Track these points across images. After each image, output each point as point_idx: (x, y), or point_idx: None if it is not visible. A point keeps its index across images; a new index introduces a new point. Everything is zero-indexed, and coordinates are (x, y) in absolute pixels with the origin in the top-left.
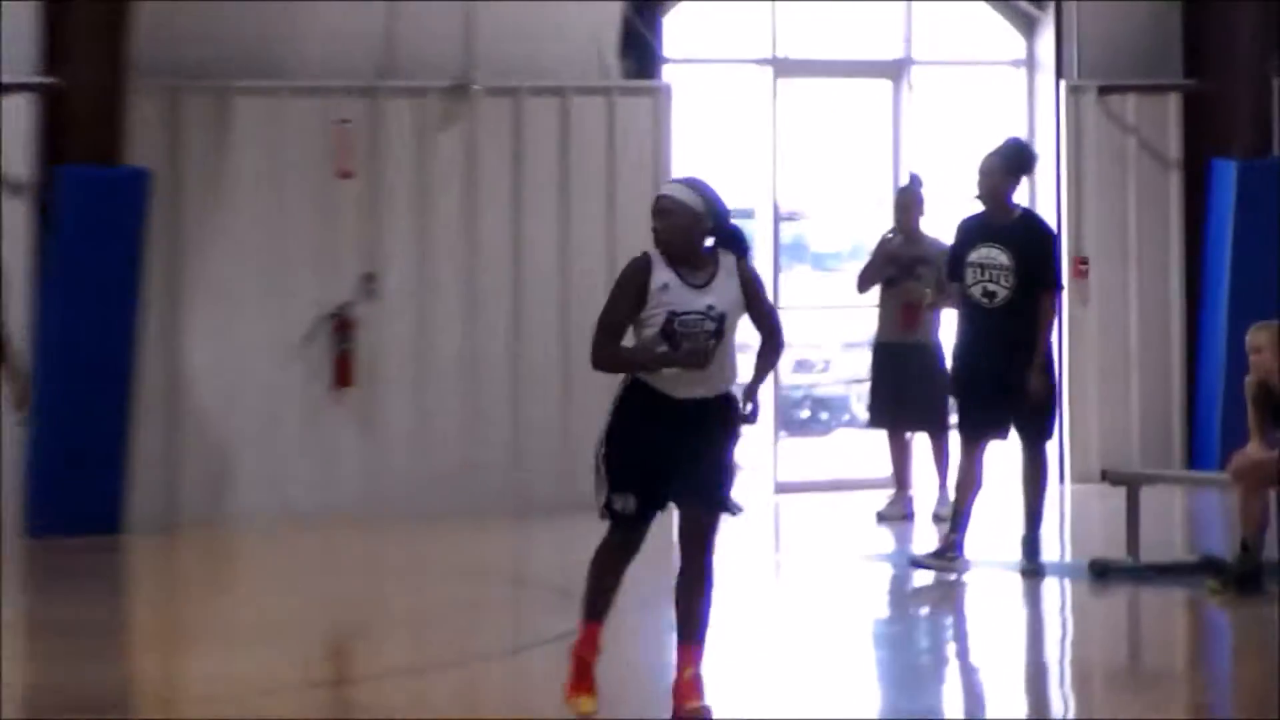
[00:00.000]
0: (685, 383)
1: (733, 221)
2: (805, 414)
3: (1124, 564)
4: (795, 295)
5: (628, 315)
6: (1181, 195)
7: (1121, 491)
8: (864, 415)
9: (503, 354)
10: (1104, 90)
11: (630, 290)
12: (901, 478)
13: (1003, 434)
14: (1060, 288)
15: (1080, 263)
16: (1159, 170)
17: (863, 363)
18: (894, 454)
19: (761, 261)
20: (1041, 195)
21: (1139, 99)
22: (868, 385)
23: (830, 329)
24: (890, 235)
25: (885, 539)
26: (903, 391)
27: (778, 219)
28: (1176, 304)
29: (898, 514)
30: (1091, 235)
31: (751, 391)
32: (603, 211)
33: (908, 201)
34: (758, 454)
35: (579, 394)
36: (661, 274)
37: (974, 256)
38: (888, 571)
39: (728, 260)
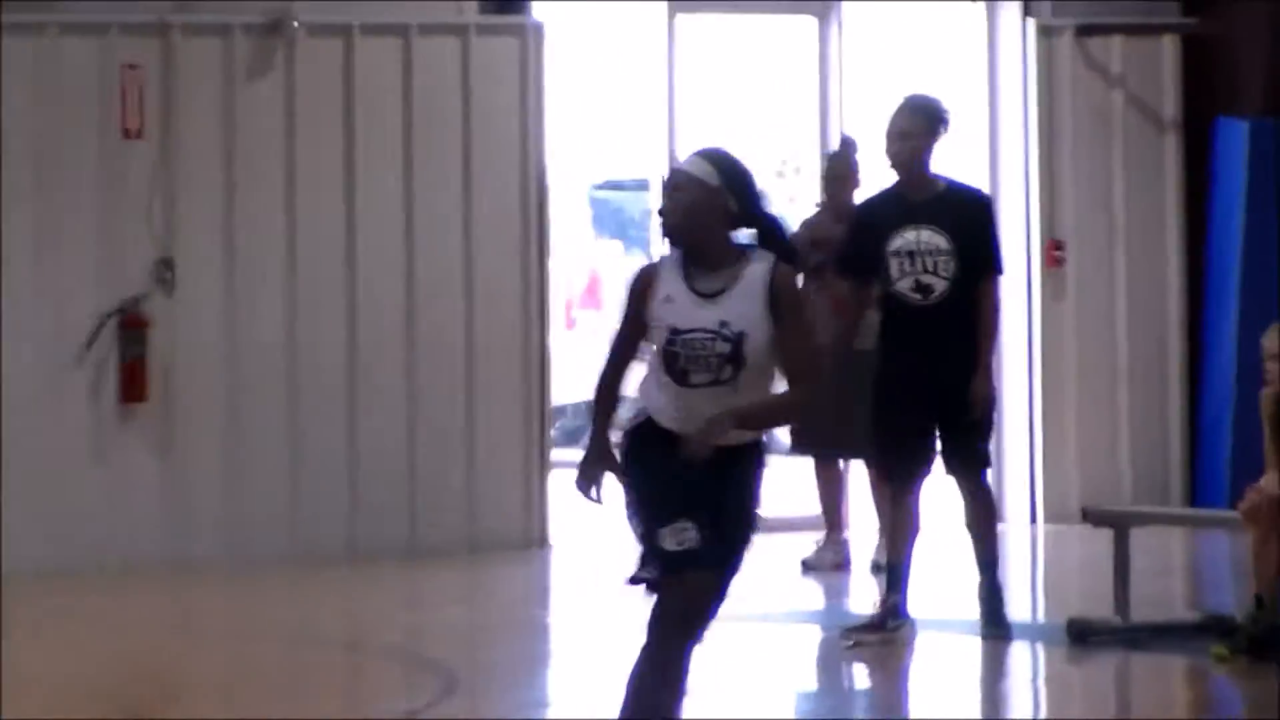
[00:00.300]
0: (699, 420)
1: (771, 211)
2: None
3: (1109, 624)
4: None
5: (631, 332)
6: (1180, 162)
7: (1107, 534)
8: (785, 439)
9: (334, 360)
10: (1083, 31)
11: (630, 304)
12: (832, 516)
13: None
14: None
15: (1054, 248)
16: (1152, 131)
17: None
18: (822, 487)
19: (660, 245)
20: (1006, 164)
21: (1127, 42)
22: None
23: None
24: (817, 213)
25: (813, 594)
26: (834, 408)
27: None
28: (1175, 298)
29: (828, 562)
30: (1069, 213)
31: (729, 416)
32: (458, 180)
33: (840, 171)
34: None
35: (431, 409)
36: (667, 283)
37: (898, 244)
38: (816, 635)
39: (760, 264)
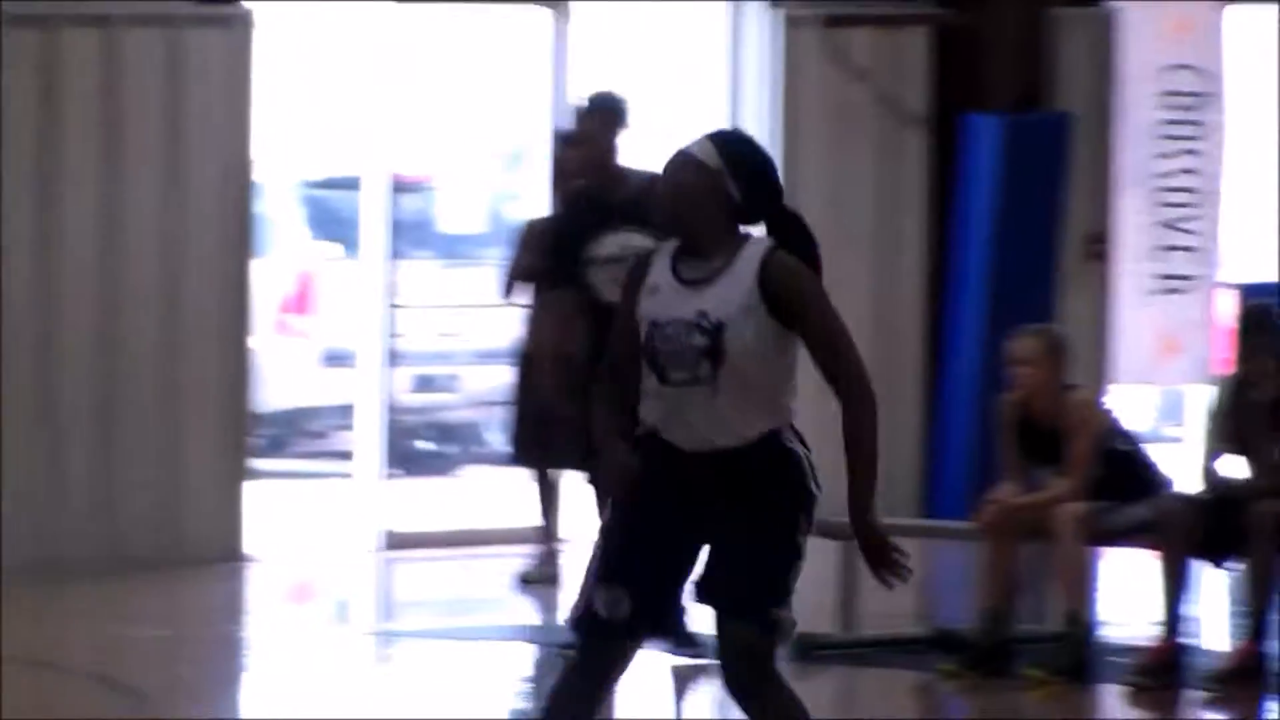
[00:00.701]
0: (682, 424)
1: (790, 208)
2: (426, 446)
3: (834, 639)
4: (416, 292)
5: (628, 329)
6: (926, 160)
7: (834, 546)
8: (505, 448)
9: (26, 362)
10: (832, 22)
11: (626, 297)
12: (552, 529)
13: None
14: None
15: None
16: (899, 127)
17: (503, 380)
18: (543, 498)
19: (374, 247)
20: None
21: (876, 34)
22: (511, 410)
23: (460, 335)
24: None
25: (529, 609)
26: (549, 419)
27: (395, 189)
28: (916, 301)
29: (546, 576)
30: (807, 213)
31: (858, 511)
32: (161, 178)
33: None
34: (359, 498)
35: (127, 414)
36: (656, 271)
37: (601, 250)
38: (530, 653)
39: (755, 248)
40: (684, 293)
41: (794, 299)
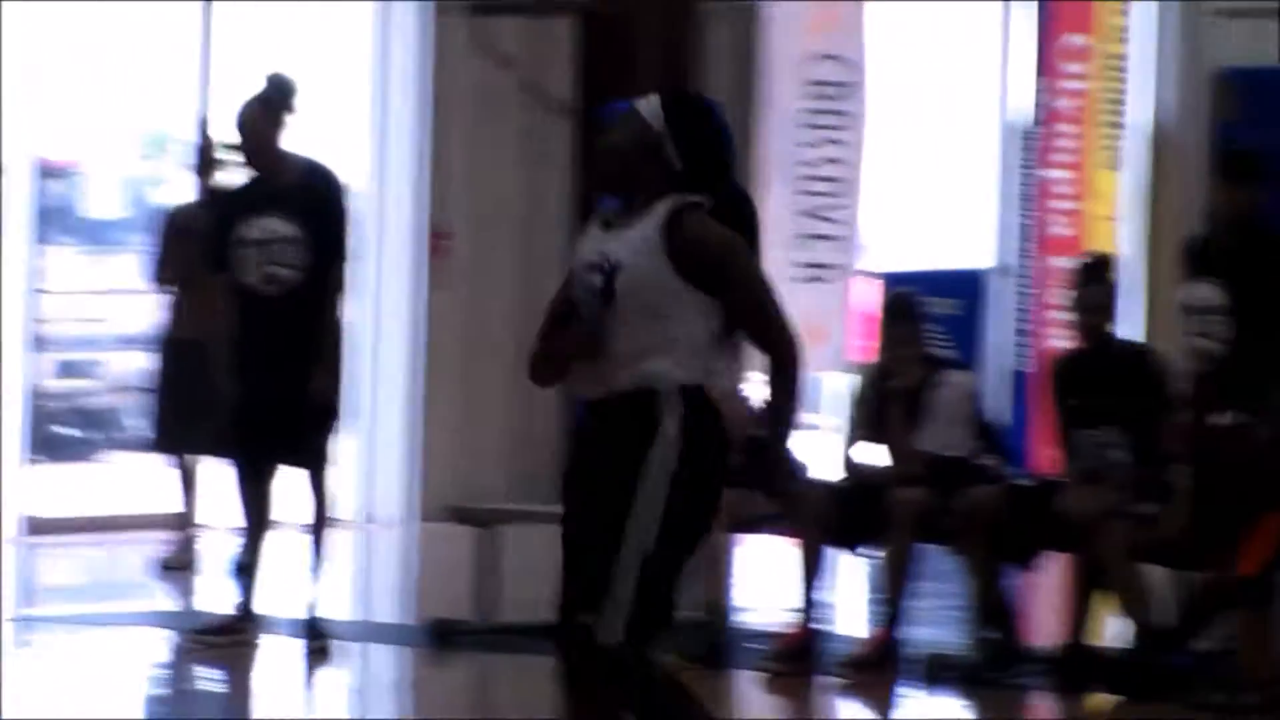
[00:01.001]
0: (582, 371)
1: (738, 184)
2: (67, 431)
3: (471, 625)
4: (60, 277)
5: (566, 297)
6: (572, 148)
7: (471, 533)
8: (146, 434)
9: None
10: (479, 9)
11: (570, 264)
12: (191, 515)
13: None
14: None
15: (440, 238)
16: (544, 115)
17: (145, 365)
18: (183, 485)
19: (18, 232)
20: (395, 150)
21: (523, 23)
22: (152, 395)
23: (104, 320)
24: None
25: (168, 594)
26: (198, 404)
27: (39, 175)
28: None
29: (185, 561)
30: (456, 203)
31: (772, 445)
32: None
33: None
34: None
35: None
36: (591, 223)
37: (247, 233)
38: (168, 638)
39: (675, 200)
40: (600, 237)
41: (707, 259)
